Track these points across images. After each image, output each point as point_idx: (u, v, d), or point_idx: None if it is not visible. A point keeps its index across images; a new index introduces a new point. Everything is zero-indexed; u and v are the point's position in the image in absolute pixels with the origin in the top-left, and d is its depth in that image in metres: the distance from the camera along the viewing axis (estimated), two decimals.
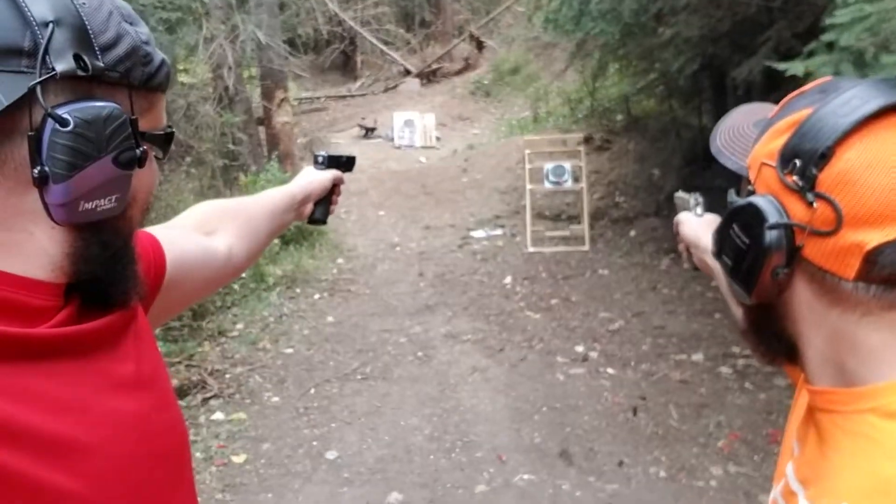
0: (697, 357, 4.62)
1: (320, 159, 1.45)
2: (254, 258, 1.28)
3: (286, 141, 9.10)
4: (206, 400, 4.32)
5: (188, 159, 6.25)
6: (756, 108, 0.93)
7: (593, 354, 4.79)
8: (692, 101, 7.79)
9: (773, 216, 0.68)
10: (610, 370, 4.55)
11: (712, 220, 1.39)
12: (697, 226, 1.37)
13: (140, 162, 0.69)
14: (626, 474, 3.49)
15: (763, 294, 0.73)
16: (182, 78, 7.13)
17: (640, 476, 3.47)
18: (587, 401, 4.18)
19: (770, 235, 0.68)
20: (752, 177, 0.75)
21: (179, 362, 4.63)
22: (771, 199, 0.70)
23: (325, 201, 1.43)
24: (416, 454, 3.73)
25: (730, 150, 0.87)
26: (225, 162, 7.07)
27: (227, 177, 7.18)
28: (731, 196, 0.79)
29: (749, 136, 0.84)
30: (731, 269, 0.76)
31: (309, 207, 1.40)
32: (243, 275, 5.84)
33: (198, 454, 3.76)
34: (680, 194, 1.51)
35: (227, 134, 7.03)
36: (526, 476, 3.49)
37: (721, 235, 0.77)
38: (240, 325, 5.44)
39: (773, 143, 0.72)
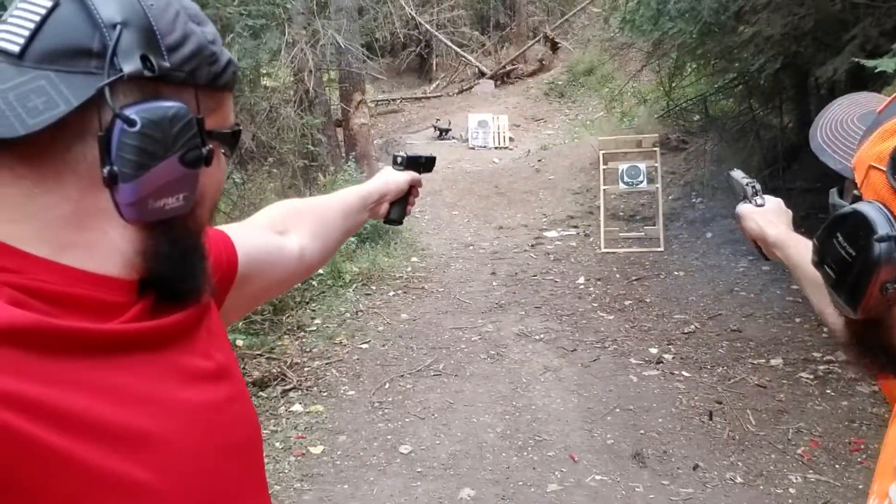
0: (776, 361, 4.51)
1: (399, 160, 1.45)
2: (326, 257, 1.28)
3: (363, 142, 9.26)
4: (285, 392, 4.45)
5: (270, 160, 6.43)
6: (861, 100, 0.85)
7: (668, 357, 4.73)
8: (773, 101, 7.59)
9: (882, 227, 0.62)
10: (685, 373, 4.49)
11: (774, 208, 1.33)
12: (760, 218, 1.30)
13: (206, 161, 0.69)
14: (701, 479, 3.43)
15: (870, 309, 0.66)
16: (265, 81, 7.34)
17: (715, 481, 3.41)
18: (661, 403, 4.13)
19: (879, 248, 0.62)
20: (857, 179, 0.69)
21: (261, 355, 4.78)
22: (880, 208, 0.63)
23: (402, 202, 1.43)
24: (487, 451, 3.76)
25: (832, 146, 0.80)
26: (305, 162, 7.25)
27: (307, 177, 7.36)
28: (834, 198, 0.74)
29: (854, 132, 0.78)
30: (835, 282, 0.69)
31: (385, 207, 1.40)
32: (321, 271, 5.99)
33: (277, 444, 3.88)
34: (735, 174, 1.44)
35: (307, 135, 7.20)
36: (598, 477, 3.48)
37: (823, 243, 0.71)
38: (318, 320, 5.58)
39: (883, 144, 0.65)
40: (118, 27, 0.62)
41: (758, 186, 1.36)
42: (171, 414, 0.67)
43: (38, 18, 0.62)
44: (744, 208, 1.35)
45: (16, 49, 0.61)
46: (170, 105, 0.65)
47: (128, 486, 0.61)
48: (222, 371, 0.77)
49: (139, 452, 0.63)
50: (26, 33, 0.62)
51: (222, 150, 0.78)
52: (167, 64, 0.65)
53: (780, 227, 1.29)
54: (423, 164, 1.49)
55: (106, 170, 0.62)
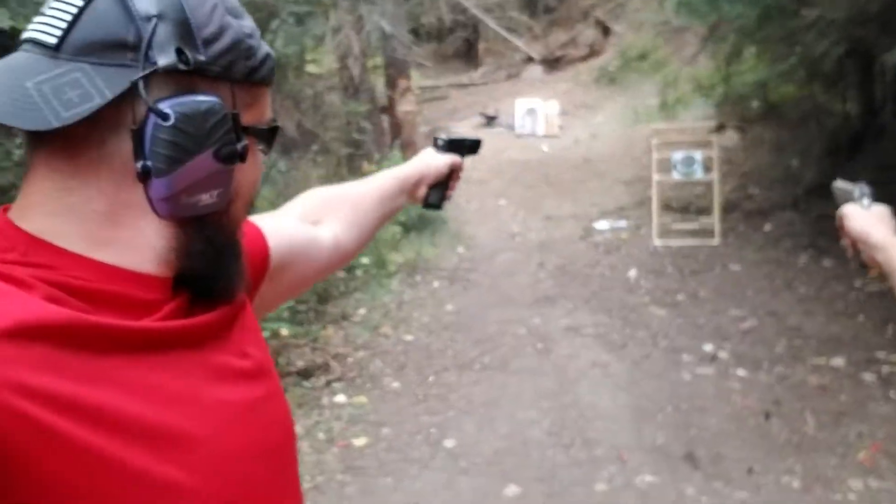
0: (837, 361, 4.34)
1: (440, 142, 1.39)
2: (363, 245, 1.27)
3: (409, 129, 9.22)
4: (329, 382, 4.44)
5: (315, 147, 6.44)
6: None
7: (722, 354, 4.58)
8: (836, 88, 7.32)
9: None
10: (740, 371, 4.35)
11: (883, 213, 1.30)
12: (865, 220, 1.27)
13: (242, 157, 0.69)
14: (755, 482, 3.32)
15: None
16: (310, 68, 7.35)
17: (770, 485, 3.30)
18: (715, 403, 4.01)
19: None
20: None
21: (305, 344, 4.79)
22: None
23: (442, 186, 1.38)
24: (533, 448, 3.69)
25: None
26: (349, 150, 7.24)
27: (352, 165, 7.35)
28: None
29: None
30: None
31: (423, 191, 1.36)
32: (365, 261, 5.97)
33: (320, 435, 3.87)
34: (840, 184, 1.40)
35: (352, 123, 7.19)
36: (648, 477, 3.39)
37: None
38: (362, 311, 5.56)
39: None
40: (154, 20, 0.62)
41: (867, 189, 1.33)
42: (206, 413, 0.67)
43: (75, 10, 0.62)
44: (850, 208, 1.33)
45: (52, 41, 0.62)
46: (204, 99, 0.65)
47: (162, 485, 0.61)
48: (257, 369, 0.77)
49: (173, 451, 0.63)
50: (63, 25, 0.62)
51: (259, 147, 0.76)
52: (203, 57, 0.65)
53: (885, 231, 1.28)
54: (467, 147, 1.42)
55: (139, 164, 0.62)
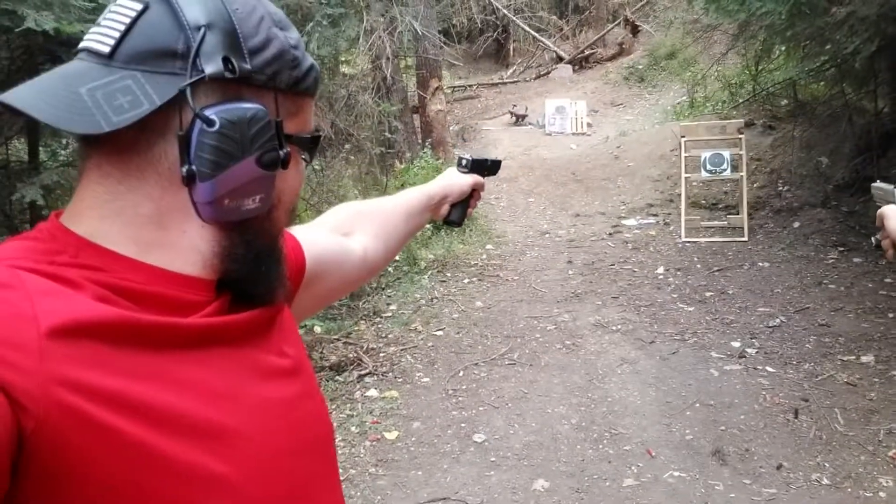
0: (867, 358, 4.31)
1: (464, 163, 1.44)
2: (390, 258, 1.30)
3: (439, 128, 9.28)
4: (361, 377, 4.50)
5: (348, 146, 6.51)
6: None
7: (751, 351, 4.58)
8: (867, 86, 7.20)
9: None
10: (769, 368, 4.34)
11: None
12: None
13: (284, 163, 0.70)
14: (784, 479, 3.32)
15: None
16: (344, 69, 7.42)
17: (800, 482, 3.29)
18: (743, 399, 4.01)
19: None
20: None
21: (338, 339, 4.86)
22: None
23: (463, 205, 1.43)
24: (562, 443, 3.72)
25: None
26: (382, 149, 7.30)
27: (384, 164, 7.42)
28: None
29: None
30: None
31: (445, 208, 1.40)
32: (396, 258, 6.03)
33: (353, 428, 3.94)
34: (880, 185, 1.42)
35: (384, 122, 7.25)
36: (676, 473, 3.40)
37: None
38: (393, 307, 5.63)
39: None
40: (202, 29, 0.64)
41: None
42: (249, 409, 0.69)
43: (128, 21, 0.64)
44: (890, 209, 1.36)
45: (106, 49, 0.64)
46: (249, 107, 0.66)
47: (206, 479, 0.62)
48: (295, 368, 0.78)
49: (218, 446, 0.64)
50: (117, 35, 0.64)
51: (302, 156, 0.78)
52: (248, 66, 0.66)
53: None
54: (488, 167, 1.48)
55: (185, 168, 0.64)
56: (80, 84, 0.62)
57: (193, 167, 0.64)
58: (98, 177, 0.66)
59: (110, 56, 0.64)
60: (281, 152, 0.70)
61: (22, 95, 0.62)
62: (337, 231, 1.17)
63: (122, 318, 0.60)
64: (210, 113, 0.64)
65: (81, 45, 0.67)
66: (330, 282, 1.08)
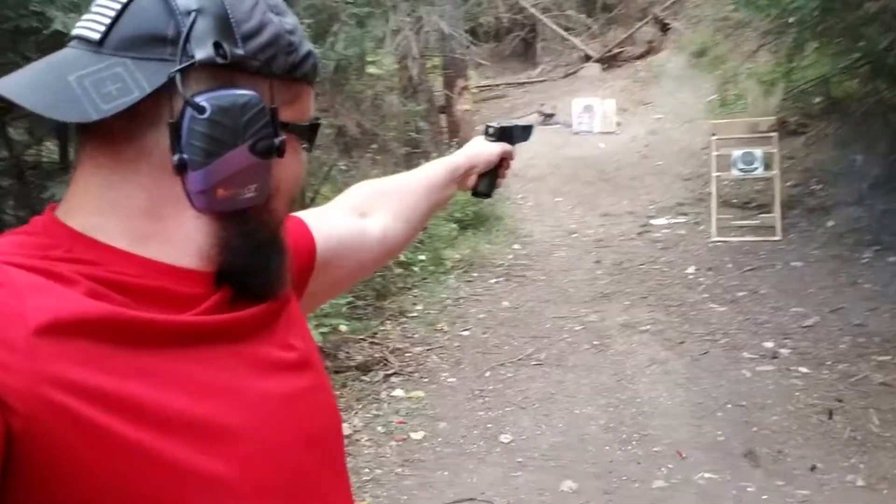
0: None
1: (491, 130, 1.36)
2: (411, 236, 1.25)
3: (466, 128, 9.27)
4: (387, 377, 4.50)
5: (374, 147, 6.52)
6: None
7: (784, 351, 4.50)
8: None
9: None
10: (802, 369, 4.26)
11: None
12: None
13: (279, 151, 0.68)
14: (818, 480, 3.26)
15: None
16: (370, 69, 7.43)
17: (834, 483, 3.23)
18: (776, 400, 3.94)
19: None
20: None
21: (364, 339, 4.86)
22: None
23: (492, 175, 1.35)
24: (590, 444, 3.69)
25: None
26: (408, 149, 7.31)
27: (410, 164, 7.40)
28: None
29: None
30: None
31: (473, 179, 1.33)
32: (422, 258, 6.04)
33: (379, 428, 3.93)
34: None
35: (411, 122, 7.26)
36: (707, 475, 3.35)
37: None
38: (419, 307, 5.62)
39: None
40: (193, 14, 0.62)
41: None
42: (250, 406, 0.67)
43: (118, 7, 0.63)
44: None
45: (96, 37, 0.63)
46: (241, 93, 0.65)
47: (205, 478, 0.61)
48: (301, 361, 0.76)
49: (216, 445, 0.62)
50: (107, 21, 0.63)
51: (302, 145, 0.76)
52: (241, 52, 0.65)
53: None
54: (519, 134, 1.40)
55: (176, 157, 0.63)
56: (69, 72, 0.61)
57: (185, 156, 0.62)
58: (91, 168, 0.65)
59: (100, 43, 0.62)
60: (276, 140, 0.68)
61: (9, 83, 0.61)
62: (354, 212, 1.13)
63: (114, 315, 0.58)
64: (201, 100, 0.62)
65: (73, 32, 0.66)
66: (346, 266, 1.05)
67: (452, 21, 7.98)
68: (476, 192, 1.36)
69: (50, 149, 4.23)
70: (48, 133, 3.82)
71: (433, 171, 1.28)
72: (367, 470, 3.55)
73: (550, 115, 12.15)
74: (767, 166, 7.06)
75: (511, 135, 1.38)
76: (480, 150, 1.34)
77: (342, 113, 5.14)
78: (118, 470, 0.56)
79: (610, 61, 14.87)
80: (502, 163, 1.38)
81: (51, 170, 3.75)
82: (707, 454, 3.51)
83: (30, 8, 2.93)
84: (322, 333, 4.14)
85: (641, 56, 14.73)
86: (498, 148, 1.35)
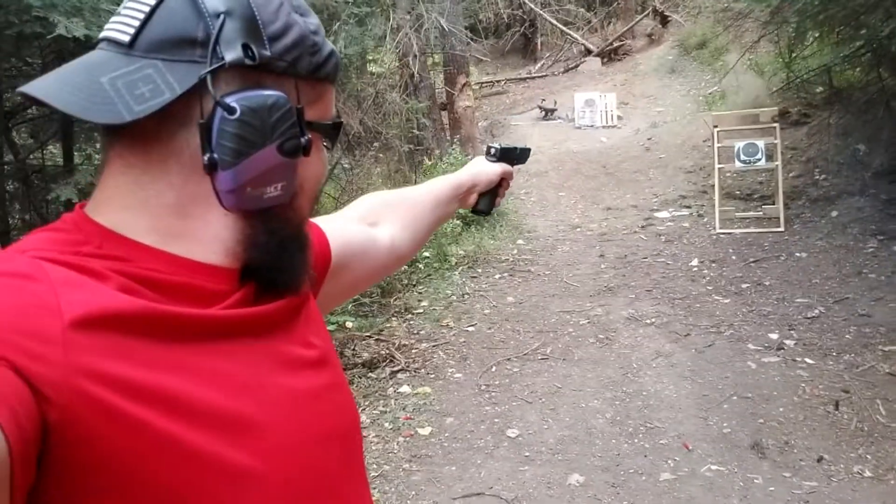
0: None
1: (492, 151, 1.40)
2: (416, 248, 1.28)
3: (468, 125, 9.26)
4: (394, 373, 4.51)
5: (376, 145, 6.53)
6: None
7: (789, 342, 4.50)
8: None
9: None
10: (808, 360, 4.26)
11: None
12: None
13: (305, 150, 0.70)
14: (825, 471, 3.25)
15: None
16: (371, 68, 7.43)
17: (841, 474, 3.22)
18: (782, 391, 3.94)
19: None
20: None
21: (370, 336, 4.87)
22: None
23: (491, 194, 1.40)
24: (597, 437, 3.69)
25: None
26: (410, 146, 7.31)
27: (412, 161, 7.42)
28: None
29: None
30: None
31: (473, 198, 1.37)
32: (427, 254, 6.04)
33: (386, 424, 3.94)
34: None
35: (412, 119, 7.25)
36: (714, 467, 3.35)
37: None
38: (424, 303, 5.63)
39: None
40: (221, 16, 0.63)
41: None
42: (274, 400, 0.68)
43: (148, 9, 0.64)
44: None
45: (126, 39, 0.63)
46: (269, 94, 0.65)
47: (232, 471, 0.62)
48: (321, 359, 0.77)
49: (243, 438, 0.63)
50: (137, 24, 0.63)
51: (324, 143, 0.77)
52: (268, 53, 0.66)
53: None
54: (517, 155, 1.44)
55: (206, 157, 0.63)
56: (101, 74, 0.62)
57: (215, 155, 0.63)
58: (121, 167, 0.66)
59: (131, 45, 0.63)
60: (302, 139, 0.69)
61: (44, 86, 0.62)
62: (363, 221, 1.16)
63: (146, 309, 0.59)
64: (231, 100, 0.63)
65: (102, 34, 0.67)
66: (356, 272, 1.07)
67: (452, 18, 7.97)
68: (476, 210, 1.40)
69: (53, 153, 4.25)
70: (52, 137, 3.84)
71: (438, 186, 1.32)
72: (374, 466, 3.56)
73: (552, 110, 12.15)
74: (770, 157, 7.05)
75: (511, 156, 1.43)
76: (482, 169, 1.38)
77: (344, 111, 5.14)
78: (150, 461, 0.57)
79: (610, 55, 14.86)
80: (502, 182, 1.41)
81: (55, 173, 3.77)
82: (713, 446, 3.51)
83: (33, 13, 2.94)
84: (328, 331, 4.15)
85: (641, 49, 14.71)
86: (499, 168, 1.39)
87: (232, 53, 0.63)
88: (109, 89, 0.61)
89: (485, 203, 1.39)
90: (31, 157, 3.92)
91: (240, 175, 0.65)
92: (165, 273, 0.65)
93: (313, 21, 0.72)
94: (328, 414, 0.75)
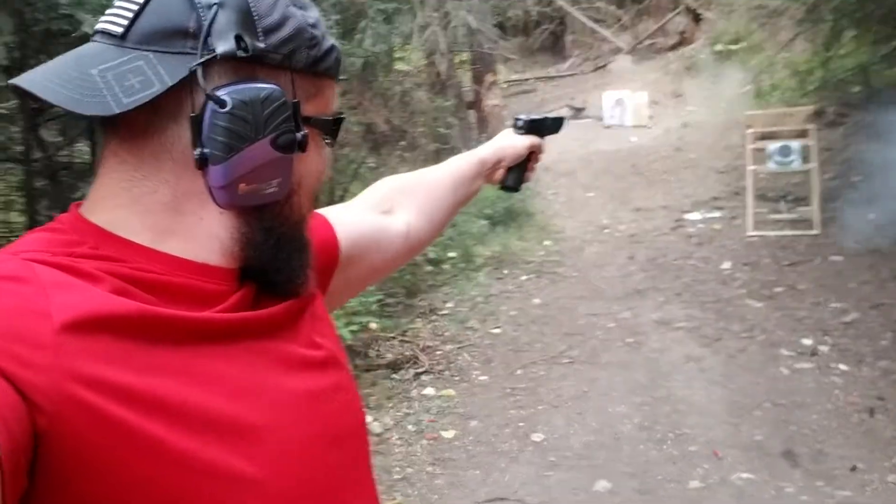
0: None
1: (520, 123, 1.32)
2: (436, 232, 1.23)
3: (495, 124, 9.21)
4: (417, 375, 4.49)
5: (403, 143, 6.51)
6: None
7: (823, 348, 4.39)
8: None
9: None
10: (843, 366, 4.16)
11: None
12: None
13: (301, 146, 0.68)
14: (860, 480, 3.18)
15: None
16: (398, 66, 7.42)
17: (876, 483, 3.15)
18: (816, 398, 3.84)
19: None
20: None
21: (394, 337, 4.85)
22: None
23: (520, 168, 1.31)
24: (624, 443, 3.63)
25: None
26: (437, 145, 7.28)
27: (439, 160, 7.33)
28: None
29: None
30: None
31: (501, 173, 1.30)
32: (452, 255, 6.01)
33: (410, 427, 3.92)
34: None
35: (439, 118, 7.23)
36: (745, 475, 3.28)
37: None
38: (450, 304, 5.60)
39: None
40: (214, 7, 0.62)
41: None
42: (274, 403, 0.67)
43: (141, 1, 0.63)
44: None
45: (119, 30, 0.63)
46: (263, 87, 0.64)
47: (230, 477, 0.61)
48: (326, 360, 0.76)
49: (239, 443, 0.62)
50: (130, 15, 0.63)
51: (325, 139, 0.76)
52: (262, 45, 0.64)
53: None
54: (548, 126, 1.35)
55: (197, 151, 0.62)
56: (92, 65, 0.61)
57: (206, 150, 0.62)
58: (115, 164, 0.65)
59: (123, 37, 0.63)
60: (298, 134, 0.67)
61: (34, 78, 0.61)
62: (377, 208, 1.12)
63: (139, 312, 0.58)
64: (222, 93, 0.62)
65: (96, 26, 0.66)
66: (369, 263, 1.05)
67: (480, 15, 7.92)
68: (504, 187, 1.33)
69: (82, 150, 4.28)
70: (80, 134, 3.87)
71: (459, 164, 1.26)
72: (397, 469, 3.54)
73: (581, 109, 12.05)
74: (805, 159, 6.91)
75: (541, 127, 1.34)
76: (508, 143, 1.31)
77: (371, 110, 5.13)
78: (144, 468, 0.56)
79: (641, 53, 14.70)
80: (531, 156, 1.34)
81: (82, 170, 3.79)
82: (744, 454, 3.44)
83: (60, 11, 2.97)
84: (352, 331, 4.14)
85: (673, 47, 14.54)
86: (527, 141, 1.32)
87: (224, 45, 0.62)
88: (99, 81, 0.60)
89: (513, 178, 1.32)
90: (60, 153, 3.95)
91: (231, 170, 0.63)
92: (161, 274, 0.64)
93: (313, 14, 0.71)
94: (333, 415, 0.74)
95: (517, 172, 1.32)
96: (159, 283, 0.63)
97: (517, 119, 1.33)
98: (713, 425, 3.70)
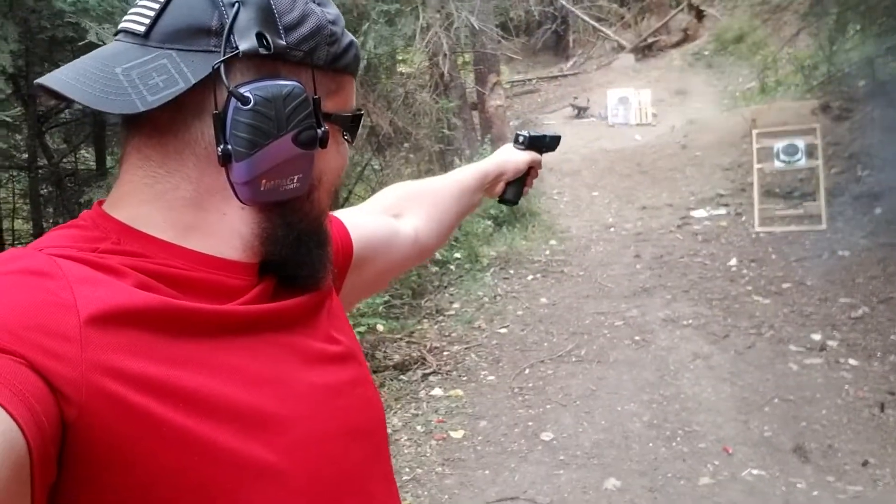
0: None
1: (521, 139, 1.36)
2: (442, 239, 1.26)
3: (499, 124, 9.20)
4: (425, 376, 4.48)
5: (407, 145, 6.50)
6: None
7: (832, 343, 4.37)
8: None
9: None
10: (852, 361, 4.14)
11: None
12: None
13: (322, 142, 0.68)
14: (871, 475, 3.16)
15: None
16: (401, 68, 7.42)
17: (887, 478, 3.13)
18: (825, 394, 3.83)
19: None
20: None
21: (401, 338, 4.85)
22: None
23: (519, 183, 1.36)
24: (633, 441, 3.62)
25: None
26: (441, 147, 7.28)
27: (443, 161, 7.38)
28: None
29: None
30: None
31: (500, 187, 1.34)
32: (458, 255, 6.01)
33: (419, 427, 3.91)
34: None
35: (443, 119, 7.22)
36: (755, 471, 3.27)
37: None
38: (456, 305, 5.59)
39: None
40: (236, 5, 0.63)
41: None
42: (296, 396, 0.67)
43: (163, 0, 0.64)
44: None
45: (142, 29, 0.64)
46: (285, 84, 0.65)
47: (254, 467, 0.61)
48: (345, 354, 0.77)
49: (263, 433, 0.63)
50: (152, 14, 0.64)
51: (344, 136, 0.76)
52: (284, 42, 0.65)
53: None
54: (546, 143, 1.40)
55: (220, 148, 0.63)
56: (116, 64, 0.62)
57: (229, 146, 0.63)
58: (138, 161, 0.66)
59: (146, 35, 0.64)
60: (319, 131, 0.68)
61: (59, 78, 0.62)
62: (387, 213, 1.14)
63: (163, 305, 0.59)
64: (245, 90, 0.62)
65: (120, 25, 0.67)
66: (380, 265, 1.06)
67: (482, 16, 7.91)
68: (503, 200, 1.37)
69: (86, 156, 4.30)
70: (84, 141, 3.89)
71: (464, 175, 1.29)
72: (407, 469, 3.53)
73: (584, 108, 12.03)
74: (810, 156, 6.88)
75: (540, 144, 1.38)
76: (509, 157, 1.35)
77: (374, 112, 5.13)
78: (171, 458, 0.56)
79: (644, 51, 14.67)
80: (530, 171, 1.38)
81: (87, 176, 3.81)
82: (754, 450, 3.43)
83: (65, 19, 2.98)
84: (359, 333, 4.15)
85: (677, 44, 14.51)
86: (527, 156, 1.36)
87: (246, 43, 0.62)
88: (124, 80, 0.61)
89: (512, 192, 1.36)
90: (65, 160, 3.97)
91: (254, 166, 0.64)
92: (183, 268, 0.65)
93: (332, 11, 0.71)
94: (353, 409, 0.74)
95: (516, 187, 1.36)
96: (182, 278, 0.64)
97: (518, 135, 1.37)
98: (722, 422, 3.69)
